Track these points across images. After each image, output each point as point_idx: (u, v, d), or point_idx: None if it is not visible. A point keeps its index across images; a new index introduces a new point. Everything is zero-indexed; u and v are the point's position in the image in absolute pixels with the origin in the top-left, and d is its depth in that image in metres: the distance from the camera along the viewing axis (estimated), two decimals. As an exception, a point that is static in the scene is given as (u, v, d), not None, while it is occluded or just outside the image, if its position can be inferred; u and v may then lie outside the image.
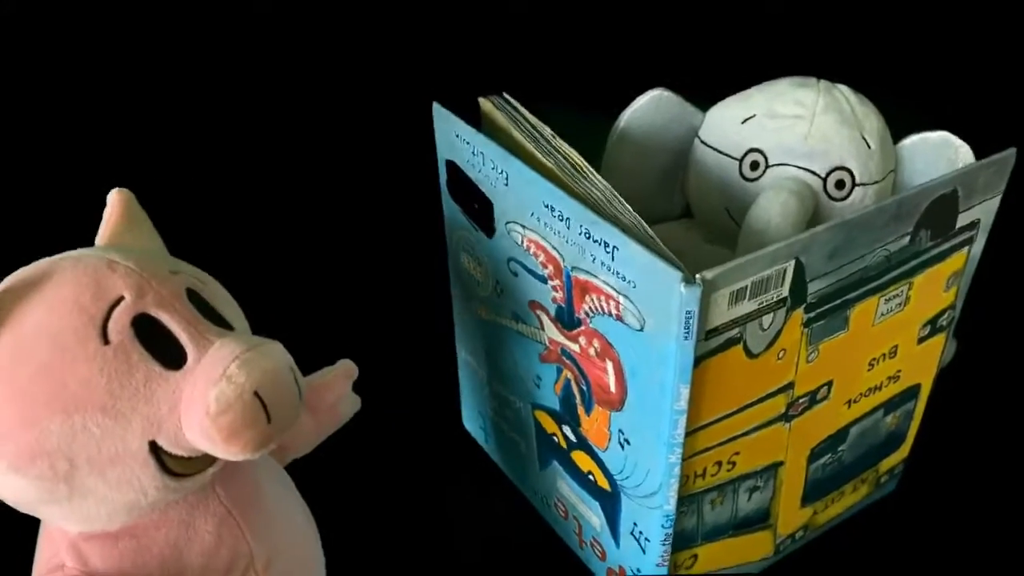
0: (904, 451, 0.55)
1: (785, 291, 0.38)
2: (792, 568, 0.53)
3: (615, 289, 0.39)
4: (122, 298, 0.33)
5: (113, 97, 0.76)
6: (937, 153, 0.49)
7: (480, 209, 0.48)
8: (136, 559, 0.35)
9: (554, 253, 0.43)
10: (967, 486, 0.57)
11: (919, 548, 0.54)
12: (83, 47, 0.74)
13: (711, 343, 0.37)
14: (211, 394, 0.31)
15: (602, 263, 0.39)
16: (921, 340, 0.48)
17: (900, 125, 0.52)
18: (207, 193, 0.76)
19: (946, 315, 0.48)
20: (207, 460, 0.35)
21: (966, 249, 0.46)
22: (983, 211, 0.44)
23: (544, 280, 0.45)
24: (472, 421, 0.62)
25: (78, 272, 0.33)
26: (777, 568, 0.53)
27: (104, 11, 0.74)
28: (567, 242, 0.41)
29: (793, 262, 0.37)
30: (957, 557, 0.54)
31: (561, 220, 0.41)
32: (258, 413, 0.32)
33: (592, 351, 0.43)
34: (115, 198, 0.39)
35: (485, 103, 0.48)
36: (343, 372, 0.46)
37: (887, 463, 0.55)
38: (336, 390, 0.45)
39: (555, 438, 0.51)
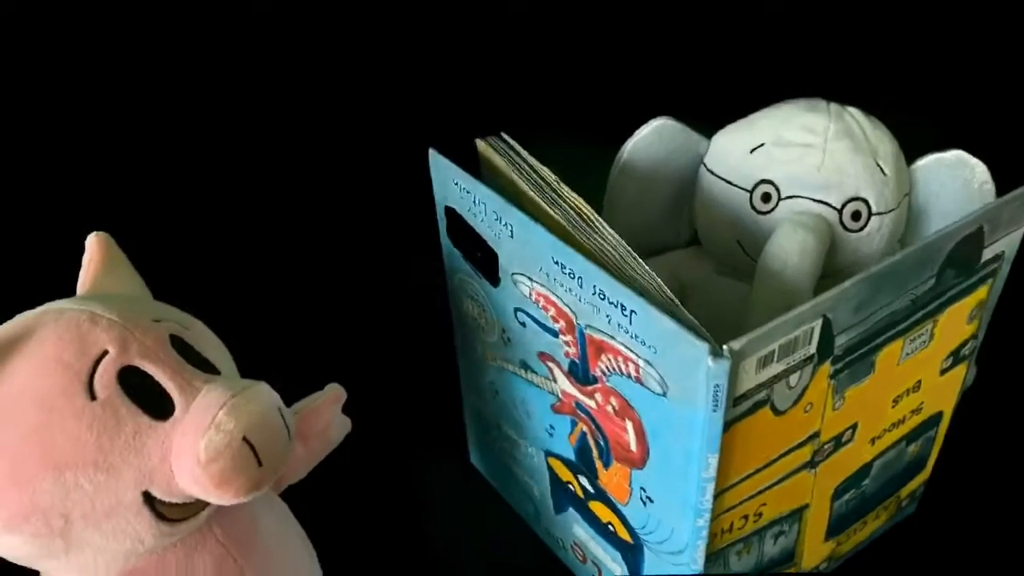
0: (925, 474, 0.54)
1: (813, 349, 0.37)
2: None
3: (634, 352, 0.37)
4: (106, 352, 0.33)
5: (94, 118, 0.73)
6: (952, 173, 0.47)
7: (483, 258, 0.46)
8: None
9: (565, 309, 0.41)
10: (986, 502, 0.57)
11: (943, 566, 0.53)
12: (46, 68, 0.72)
13: (739, 409, 0.36)
14: (200, 443, 0.32)
15: (619, 325, 0.37)
16: (944, 372, 0.47)
17: (909, 141, 0.50)
18: (209, 220, 0.74)
19: (968, 345, 0.47)
20: (201, 504, 0.35)
21: (990, 281, 0.44)
22: (1007, 243, 0.43)
23: (555, 334, 0.43)
24: (480, 458, 0.61)
25: (60, 328, 0.33)
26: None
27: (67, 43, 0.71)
28: (580, 300, 0.39)
29: (820, 320, 0.36)
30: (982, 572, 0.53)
31: (572, 278, 0.39)
32: (248, 458, 0.32)
33: (610, 408, 0.41)
34: (93, 242, 0.39)
35: (482, 145, 0.46)
36: (331, 397, 0.45)
37: (908, 488, 0.54)
38: (325, 415, 0.44)
39: (571, 486, 0.49)
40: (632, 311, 0.36)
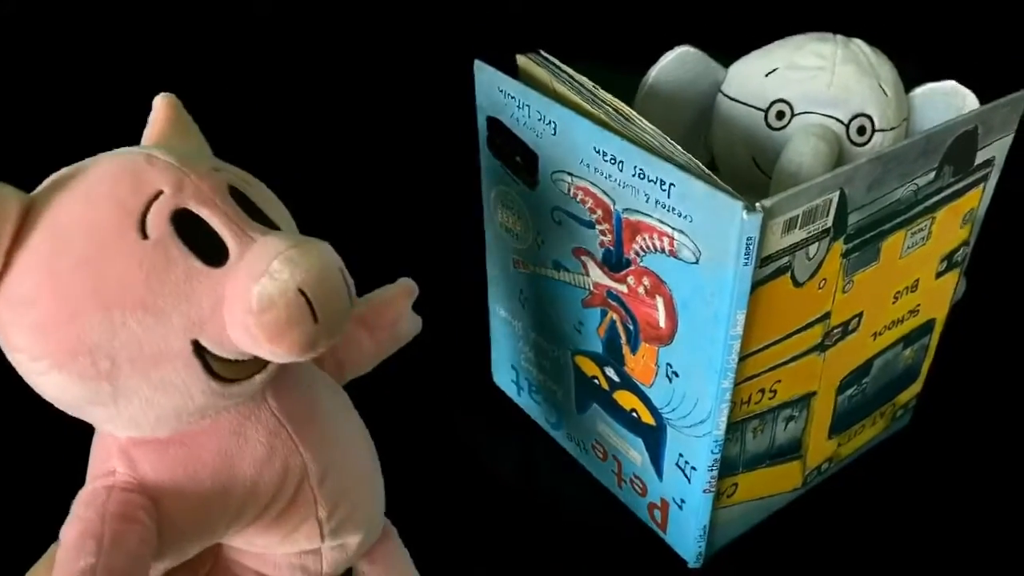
0: (918, 386, 0.59)
1: (830, 221, 0.41)
2: (819, 500, 0.56)
3: (670, 226, 0.41)
4: (160, 192, 0.32)
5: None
6: (946, 101, 0.52)
7: (523, 162, 0.50)
8: (187, 466, 0.35)
9: (604, 198, 0.45)
10: (977, 419, 0.61)
11: (933, 479, 0.58)
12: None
13: (764, 270, 0.40)
14: (253, 290, 0.30)
15: (656, 201, 0.42)
16: (939, 275, 0.51)
17: (906, 76, 0.55)
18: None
19: (960, 251, 0.52)
20: (256, 365, 0.34)
21: (981, 186, 0.49)
22: (998, 149, 0.48)
23: (591, 225, 0.47)
24: (504, 375, 0.65)
25: (115, 166, 0.33)
26: (804, 500, 0.56)
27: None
28: (619, 185, 0.44)
29: (838, 193, 0.40)
30: (970, 487, 0.57)
31: (613, 163, 0.43)
32: (303, 312, 0.31)
33: (641, 289, 0.45)
34: (161, 103, 0.38)
35: (523, 60, 0.50)
36: (403, 290, 0.44)
37: (903, 397, 0.58)
38: (395, 308, 0.44)
39: (596, 381, 0.53)
40: (671, 184, 0.40)
